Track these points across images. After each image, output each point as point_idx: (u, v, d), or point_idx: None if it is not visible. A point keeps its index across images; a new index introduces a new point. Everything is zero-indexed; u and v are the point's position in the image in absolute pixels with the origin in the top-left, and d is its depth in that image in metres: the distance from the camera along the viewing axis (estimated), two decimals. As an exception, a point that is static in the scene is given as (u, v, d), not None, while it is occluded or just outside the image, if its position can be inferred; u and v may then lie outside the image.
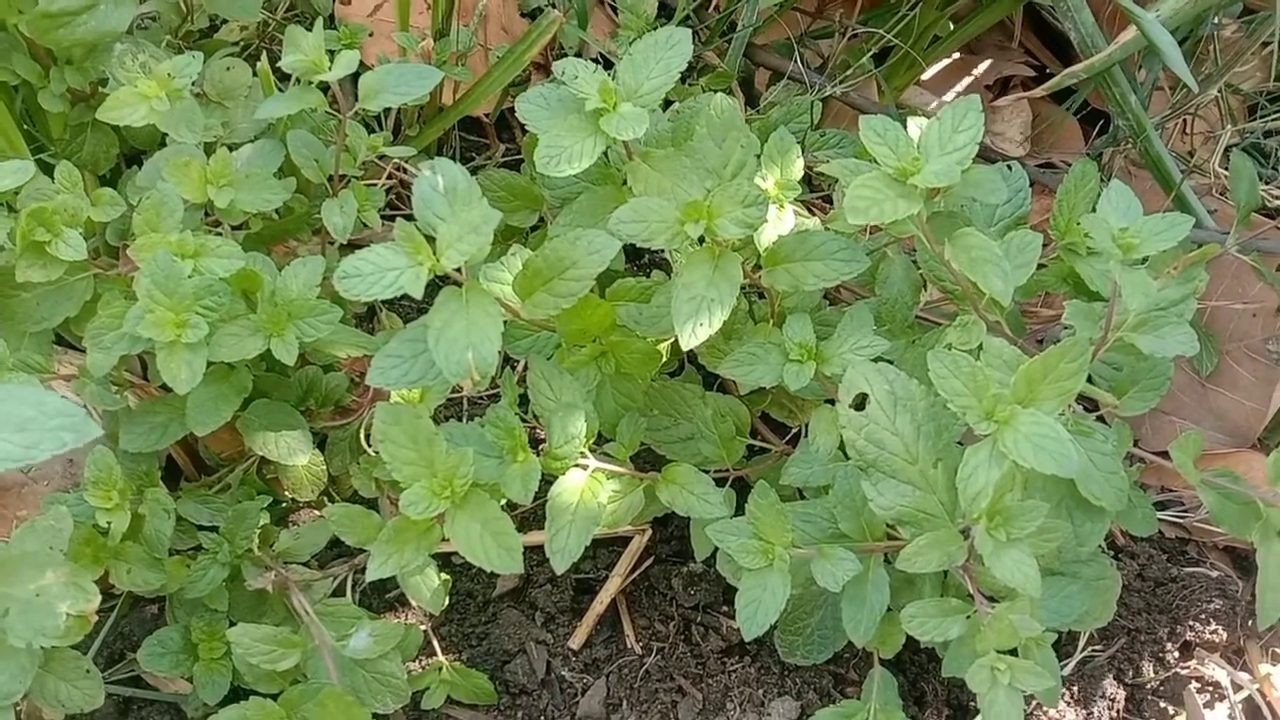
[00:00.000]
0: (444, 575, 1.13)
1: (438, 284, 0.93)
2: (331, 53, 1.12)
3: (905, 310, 1.16)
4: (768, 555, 1.03)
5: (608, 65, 1.47)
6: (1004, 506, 0.93)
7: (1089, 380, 0.99)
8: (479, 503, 0.98)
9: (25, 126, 1.37)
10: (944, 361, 0.91)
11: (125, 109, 1.06)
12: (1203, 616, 1.30)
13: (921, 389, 1.00)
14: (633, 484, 1.12)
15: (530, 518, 1.27)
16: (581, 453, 1.05)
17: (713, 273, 0.99)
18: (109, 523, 1.05)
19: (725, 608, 1.26)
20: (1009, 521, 0.93)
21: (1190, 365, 1.46)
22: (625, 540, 1.26)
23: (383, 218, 1.29)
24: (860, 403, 1.01)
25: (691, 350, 1.00)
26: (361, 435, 1.30)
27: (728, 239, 0.99)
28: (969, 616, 0.99)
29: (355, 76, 1.14)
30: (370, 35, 1.56)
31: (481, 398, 1.43)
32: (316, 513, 1.34)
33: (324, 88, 1.14)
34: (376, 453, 1.26)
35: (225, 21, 1.57)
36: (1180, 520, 1.37)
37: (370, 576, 0.98)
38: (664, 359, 1.16)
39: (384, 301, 1.50)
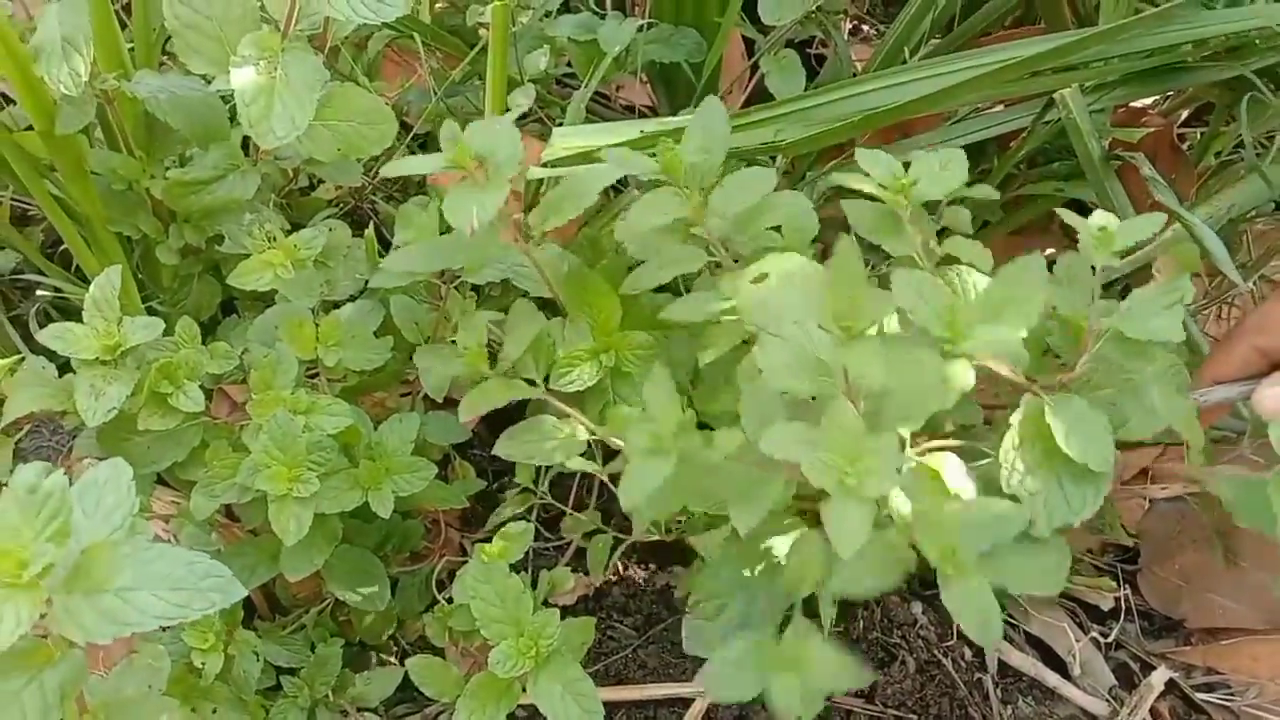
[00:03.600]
0: (516, 731, 1.17)
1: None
2: (436, 227, 1.22)
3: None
4: None
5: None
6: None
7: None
8: (561, 664, 1.03)
9: (136, 275, 1.47)
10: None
11: (252, 275, 1.16)
12: (1254, 803, 1.30)
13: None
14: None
15: (601, 674, 1.30)
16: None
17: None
18: (203, 663, 1.09)
19: (783, 773, 1.27)
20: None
21: (1226, 546, 1.49)
22: (687, 702, 1.29)
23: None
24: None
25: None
26: (433, 583, 1.35)
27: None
28: None
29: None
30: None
31: (547, 550, 1.48)
32: (382, 656, 1.37)
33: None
34: (450, 600, 1.31)
35: (323, 180, 1.69)
36: (1229, 704, 1.39)
37: (455, 730, 1.02)
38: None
39: (455, 448, 1.58)
